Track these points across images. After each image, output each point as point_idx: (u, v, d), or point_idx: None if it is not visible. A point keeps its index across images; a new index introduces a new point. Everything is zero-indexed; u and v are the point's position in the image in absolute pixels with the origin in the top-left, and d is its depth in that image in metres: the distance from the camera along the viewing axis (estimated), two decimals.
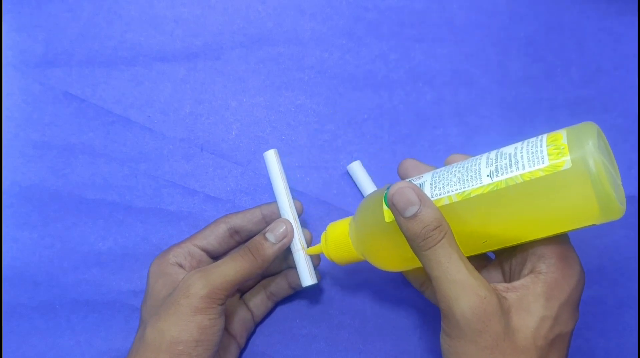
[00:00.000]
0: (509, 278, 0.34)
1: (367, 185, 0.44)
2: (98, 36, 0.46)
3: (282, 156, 0.45)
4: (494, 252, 0.35)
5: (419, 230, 0.30)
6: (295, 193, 0.44)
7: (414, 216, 0.30)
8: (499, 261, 0.35)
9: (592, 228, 0.45)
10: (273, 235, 0.37)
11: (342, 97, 0.46)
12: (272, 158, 0.40)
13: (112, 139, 0.45)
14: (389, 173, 0.45)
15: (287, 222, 0.38)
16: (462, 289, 0.29)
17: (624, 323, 0.43)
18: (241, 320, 0.41)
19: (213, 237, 0.40)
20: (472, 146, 0.45)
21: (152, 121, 0.45)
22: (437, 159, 0.45)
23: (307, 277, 0.38)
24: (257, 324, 0.43)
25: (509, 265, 0.33)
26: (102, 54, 0.45)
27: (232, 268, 0.36)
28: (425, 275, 0.37)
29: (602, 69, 0.46)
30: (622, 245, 0.44)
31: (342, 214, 0.44)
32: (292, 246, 0.38)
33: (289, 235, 0.38)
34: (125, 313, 0.43)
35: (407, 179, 0.34)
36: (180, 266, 0.38)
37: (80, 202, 0.44)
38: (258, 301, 0.42)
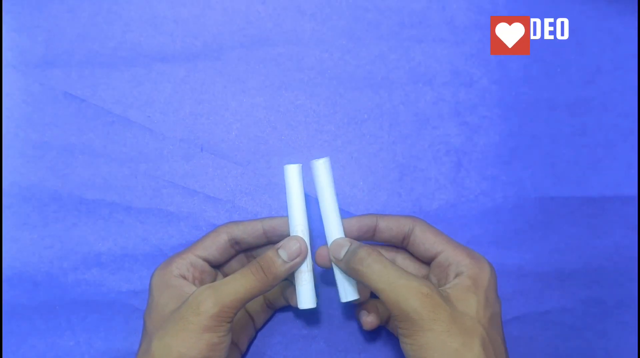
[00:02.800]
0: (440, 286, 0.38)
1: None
2: (98, 36, 0.46)
3: (282, 156, 0.45)
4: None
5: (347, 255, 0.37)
6: None
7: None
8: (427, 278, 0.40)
9: (592, 228, 0.45)
10: (286, 253, 0.36)
11: (342, 97, 0.46)
12: (295, 173, 0.38)
13: (112, 140, 0.45)
14: (388, 173, 0.45)
15: (302, 240, 0.37)
16: (408, 290, 0.33)
17: (624, 323, 0.43)
18: (243, 327, 0.41)
19: (214, 248, 0.39)
20: (472, 146, 0.45)
21: (152, 121, 0.45)
22: (437, 159, 0.45)
23: (308, 300, 0.38)
24: (258, 330, 0.43)
25: (436, 279, 0.38)
26: (102, 54, 0.45)
27: (242, 286, 0.35)
28: (385, 312, 0.40)
29: (602, 69, 0.46)
30: (622, 245, 0.44)
31: (341, 214, 0.44)
32: None
33: (302, 253, 0.37)
34: (125, 313, 0.43)
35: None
36: (184, 277, 0.38)
37: (80, 202, 0.44)
38: (259, 309, 0.42)
